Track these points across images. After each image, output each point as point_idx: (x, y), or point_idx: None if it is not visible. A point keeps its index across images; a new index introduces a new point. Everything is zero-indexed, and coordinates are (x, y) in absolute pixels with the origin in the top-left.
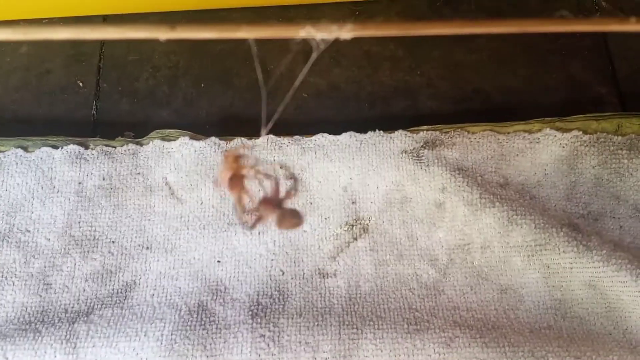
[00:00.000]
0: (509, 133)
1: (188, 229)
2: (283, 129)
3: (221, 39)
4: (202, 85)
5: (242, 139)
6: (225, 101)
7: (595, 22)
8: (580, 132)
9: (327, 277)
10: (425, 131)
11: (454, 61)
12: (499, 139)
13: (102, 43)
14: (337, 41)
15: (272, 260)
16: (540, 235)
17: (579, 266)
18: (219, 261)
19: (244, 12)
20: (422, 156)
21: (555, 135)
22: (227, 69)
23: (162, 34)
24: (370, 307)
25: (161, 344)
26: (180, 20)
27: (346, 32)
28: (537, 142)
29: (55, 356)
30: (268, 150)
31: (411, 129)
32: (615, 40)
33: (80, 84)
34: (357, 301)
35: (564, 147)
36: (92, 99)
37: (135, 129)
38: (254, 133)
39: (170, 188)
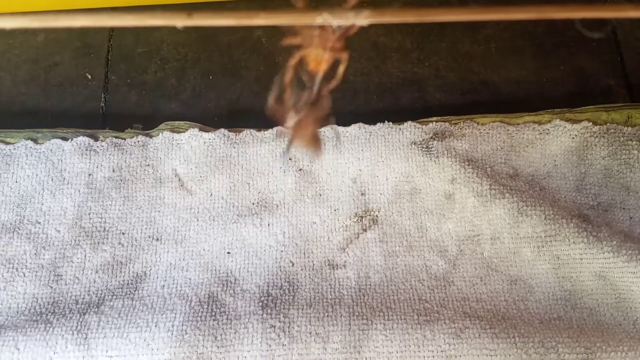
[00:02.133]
0: (518, 124)
1: (198, 220)
2: None
3: (231, 29)
4: (211, 77)
5: (252, 130)
6: (233, 93)
7: (607, 8)
8: (590, 123)
9: (337, 269)
10: (434, 122)
11: (462, 53)
12: (508, 130)
13: (110, 35)
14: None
15: (281, 251)
16: (550, 227)
17: (589, 257)
18: (228, 252)
19: (249, 4)
20: (432, 147)
21: (565, 127)
22: (235, 61)
23: (180, 21)
24: (380, 298)
25: (172, 334)
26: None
27: (363, 19)
28: (547, 133)
29: (66, 347)
30: (277, 141)
31: (420, 120)
32: (624, 32)
33: (89, 77)
34: (366, 292)
35: (573, 138)
36: (101, 91)
37: (144, 121)
38: (262, 125)
39: (179, 180)
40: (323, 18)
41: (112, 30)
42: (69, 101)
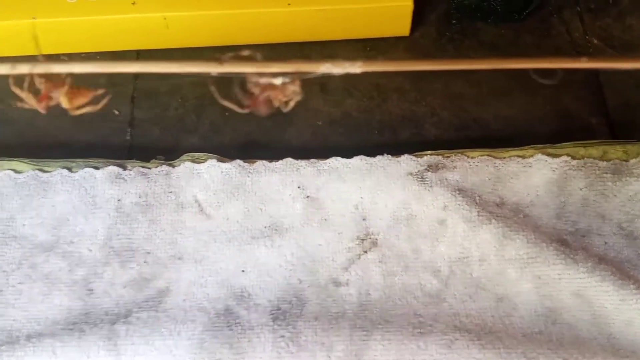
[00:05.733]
0: (504, 158)
1: (215, 241)
2: (300, 153)
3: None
4: (227, 114)
5: (264, 161)
6: (247, 128)
7: (585, 61)
8: (569, 158)
9: (340, 286)
10: (428, 155)
11: (456, 93)
12: (495, 163)
13: (136, 76)
14: (350, 75)
15: (290, 270)
16: (532, 249)
17: (567, 277)
18: (243, 271)
19: (261, 48)
20: (426, 178)
21: (547, 160)
22: None
23: (214, 68)
24: (379, 312)
25: (192, 342)
26: (203, 56)
27: (357, 68)
28: (530, 167)
29: (98, 352)
30: (287, 171)
31: (416, 153)
32: (606, 74)
33: (116, 113)
34: (367, 307)
35: (554, 170)
36: (127, 126)
37: (166, 153)
38: (273, 157)
39: (199, 205)
40: (325, 67)
41: None
42: (98, 135)
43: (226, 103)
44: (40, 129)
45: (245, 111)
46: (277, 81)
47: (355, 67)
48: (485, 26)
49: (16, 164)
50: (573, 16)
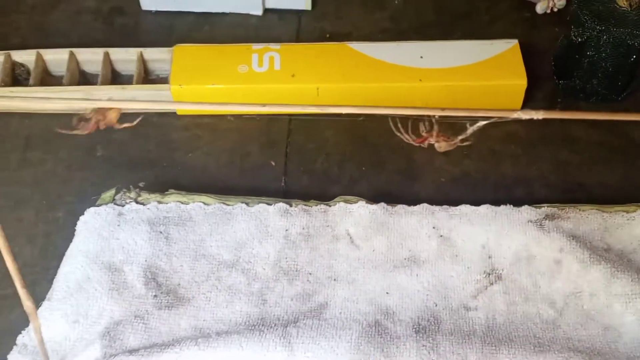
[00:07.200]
0: (610, 212)
1: (364, 268)
2: (427, 202)
3: (377, 133)
4: (363, 168)
5: (404, 205)
6: (380, 181)
7: None
8: None
9: (470, 310)
10: (546, 207)
11: (562, 160)
12: (603, 215)
13: (289, 134)
14: (468, 140)
15: (427, 295)
16: (636, 287)
17: None
18: (387, 293)
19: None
20: (544, 225)
21: None
22: (381, 157)
23: (438, 112)
24: (504, 333)
25: (351, 345)
26: (345, 121)
27: (540, 115)
28: (633, 220)
29: (275, 348)
30: (423, 214)
31: (534, 205)
32: None
33: (273, 164)
34: (493, 328)
35: None
36: (282, 175)
37: (313, 198)
38: (406, 204)
39: (350, 238)
40: (517, 114)
41: (289, 131)
42: (258, 182)
43: (405, 136)
44: (212, 174)
45: (416, 144)
46: (481, 124)
47: (539, 114)
48: (587, 105)
49: (205, 198)
50: None
